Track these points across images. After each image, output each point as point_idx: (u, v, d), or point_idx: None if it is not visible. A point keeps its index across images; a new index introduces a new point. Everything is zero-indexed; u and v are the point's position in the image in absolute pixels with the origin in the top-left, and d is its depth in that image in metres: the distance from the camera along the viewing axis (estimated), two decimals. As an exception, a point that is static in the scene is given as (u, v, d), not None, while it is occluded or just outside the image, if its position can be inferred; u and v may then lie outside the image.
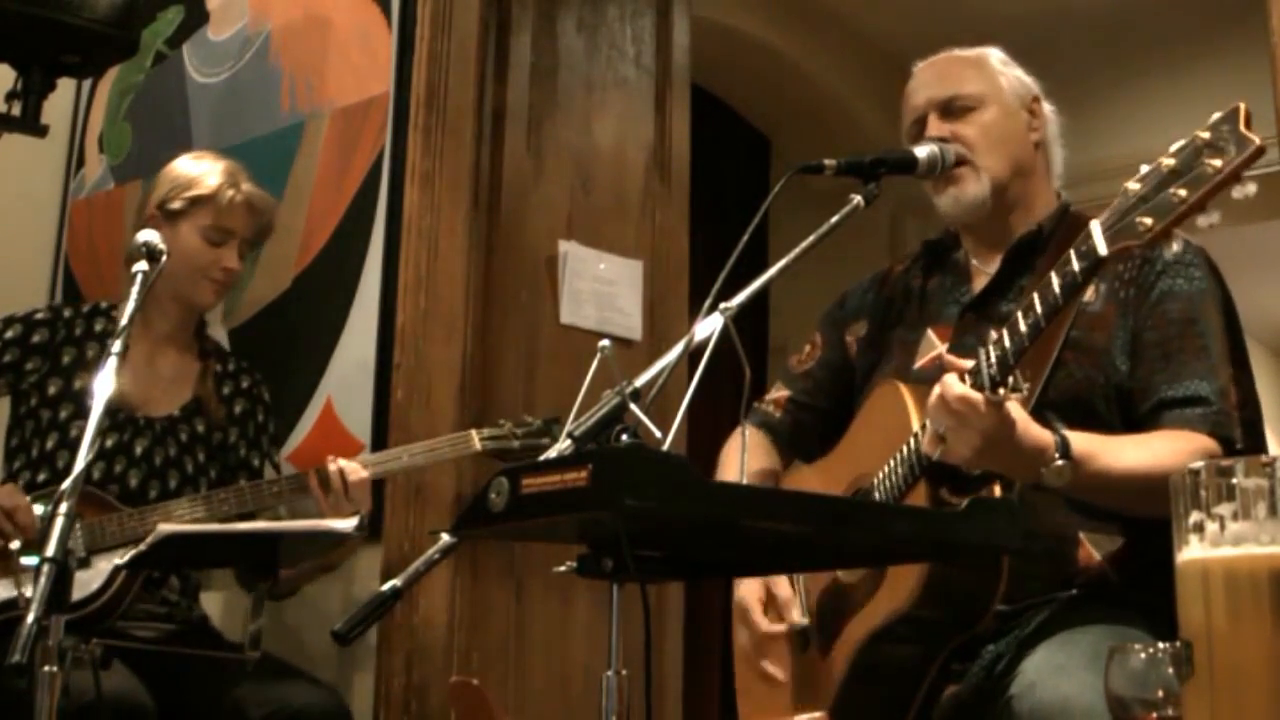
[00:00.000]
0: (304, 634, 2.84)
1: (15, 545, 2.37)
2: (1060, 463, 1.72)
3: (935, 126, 2.07)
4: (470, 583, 2.78)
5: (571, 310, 3.04)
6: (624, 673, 1.36)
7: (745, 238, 1.79)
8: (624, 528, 1.30)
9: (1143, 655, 1.22)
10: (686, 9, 3.44)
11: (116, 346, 1.95)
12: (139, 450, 2.67)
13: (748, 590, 2.12)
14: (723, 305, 1.75)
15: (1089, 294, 1.93)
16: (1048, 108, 2.15)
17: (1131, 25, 4.96)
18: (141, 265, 2.11)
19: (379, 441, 2.82)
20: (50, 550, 1.72)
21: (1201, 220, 1.57)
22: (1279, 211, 4.55)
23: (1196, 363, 1.89)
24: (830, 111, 5.20)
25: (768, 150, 5.49)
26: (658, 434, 1.56)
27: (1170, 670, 1.18)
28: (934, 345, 2.08)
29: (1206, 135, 1.57)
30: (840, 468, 2.07)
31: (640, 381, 1.70)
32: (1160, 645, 1.21)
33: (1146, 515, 1.79)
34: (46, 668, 1.72)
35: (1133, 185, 1.63)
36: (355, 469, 2.55)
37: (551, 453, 1.69)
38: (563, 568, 1.40)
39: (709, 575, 2.54)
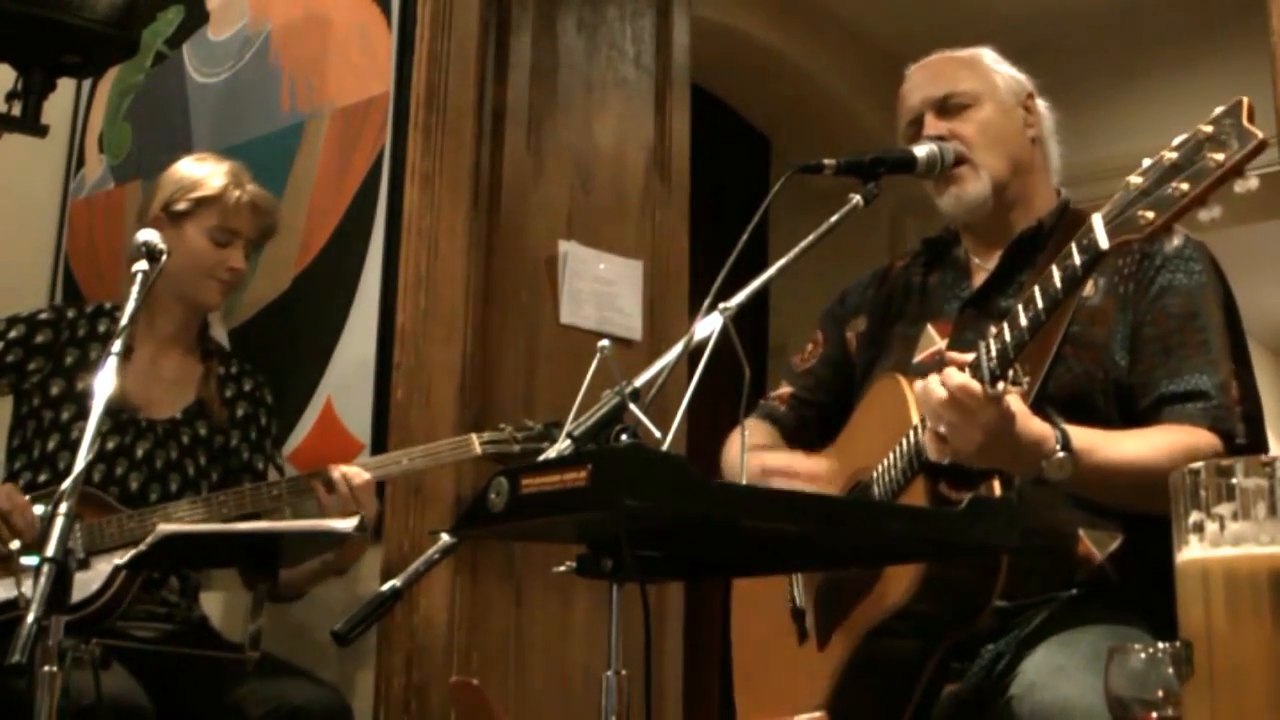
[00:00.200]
0: (304, 634, 2.83)
1: (15, 546, 2.37)
2: (1061, 455, 1.72)
3: (933, 125, 2.07)
4: (470, 583, 2.78)
5: (571, 310, 3.04)
6: (624, 673, 1.36)
7: (745, 237, 1.79)
8: (624, 528, 1.30)
9: (1143, 655, 1.22)
10: (686, 9, 3.44)
11: (117, 346, 1.95)
12: (140, 453, 2.67)
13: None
14: (722, 305, 1.74)
15: (1088, 289, 1.92)
16: (1042, 104, 2.15)
17: (1131, 25, 4.96)
18: (142, 265, 2.11)
19: (379, 441, 2.82)
20: (50, 550, 1.72)
21: (1203, 214, 1.57)
22: (1279, 211, 4.55)
23: (1197, 357, 1.89)
24: (830, 111, 5.20)
25: (768, 150, 5.49)
26: (657, 434, 1.56)
27: (1170, 670, 1.18)
28: (934, 340, 2.08)
29: (1209, 129, 1.57)
30: (840, 461, 2.07)
31: (640, 381, 1.69)
32: (1160, 645, 1.21)
33: (1147, 511, 1.78)
34: (46, 668, 1.72)
35: (1135, 179, 1.63)
36: (359, 473, 2.55)
37: (551, 453, 1.69)
38: (562, 568, 1.40)
39: (709, 575, 2.54)
